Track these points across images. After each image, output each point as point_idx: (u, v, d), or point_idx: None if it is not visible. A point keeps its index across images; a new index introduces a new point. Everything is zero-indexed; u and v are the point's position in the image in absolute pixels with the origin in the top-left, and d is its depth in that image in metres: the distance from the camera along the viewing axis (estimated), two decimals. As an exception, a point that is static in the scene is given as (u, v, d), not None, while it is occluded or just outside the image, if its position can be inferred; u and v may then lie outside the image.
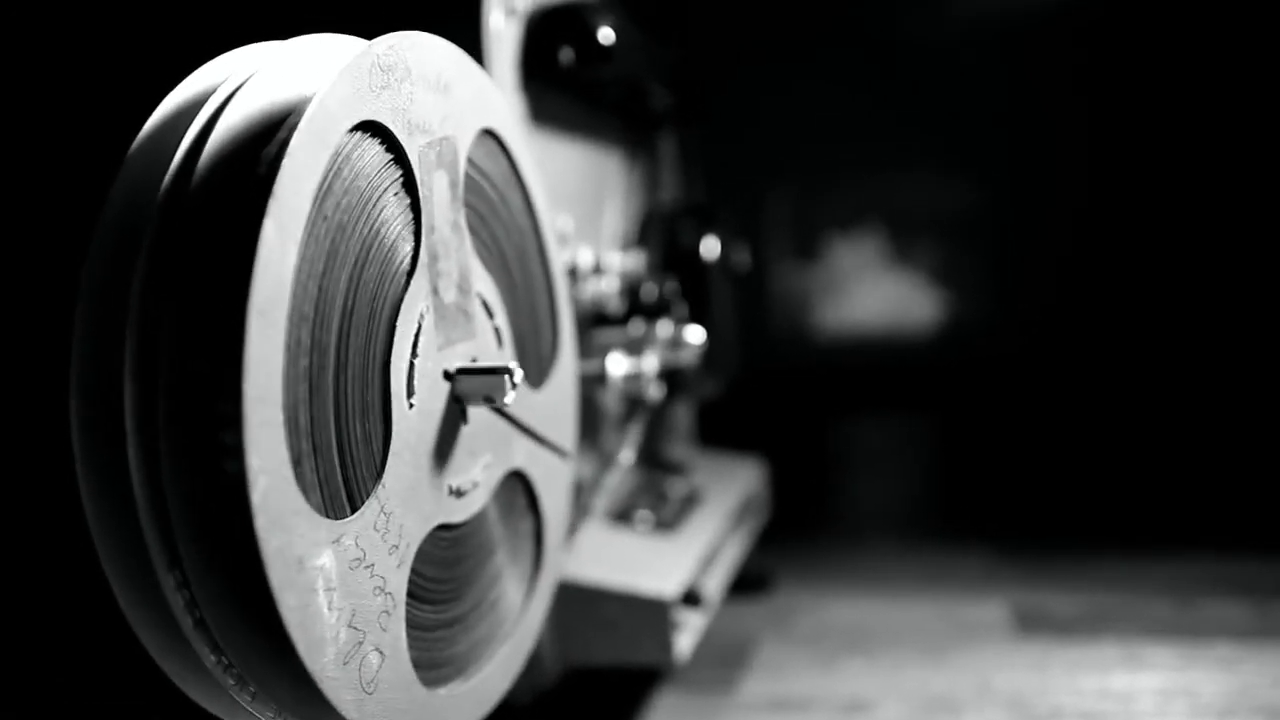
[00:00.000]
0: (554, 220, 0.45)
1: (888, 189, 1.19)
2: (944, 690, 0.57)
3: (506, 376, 0.37)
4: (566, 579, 0.53)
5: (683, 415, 0.75)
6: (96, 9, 0.61)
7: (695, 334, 0.57)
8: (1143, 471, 0.96)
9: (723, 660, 0.63)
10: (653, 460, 0.71)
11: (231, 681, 0.31)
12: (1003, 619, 0.66)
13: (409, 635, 0.34)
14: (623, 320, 0.58)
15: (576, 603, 0.54)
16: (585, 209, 0.60)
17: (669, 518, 0.62)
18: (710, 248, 0.66)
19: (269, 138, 0.31)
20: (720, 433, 0.82)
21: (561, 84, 0.56)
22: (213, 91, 0.33)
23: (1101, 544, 0.78)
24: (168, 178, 0.30)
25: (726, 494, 0.70)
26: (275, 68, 0.33)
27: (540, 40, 0.54)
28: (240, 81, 0.33)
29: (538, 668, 0.55)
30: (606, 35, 0.55)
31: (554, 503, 0.44)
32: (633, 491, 0.66)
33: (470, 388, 0.37)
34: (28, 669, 0.70)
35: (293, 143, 0.29)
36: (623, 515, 0.61)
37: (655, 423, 0.71)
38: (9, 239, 0.66)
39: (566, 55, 0.54)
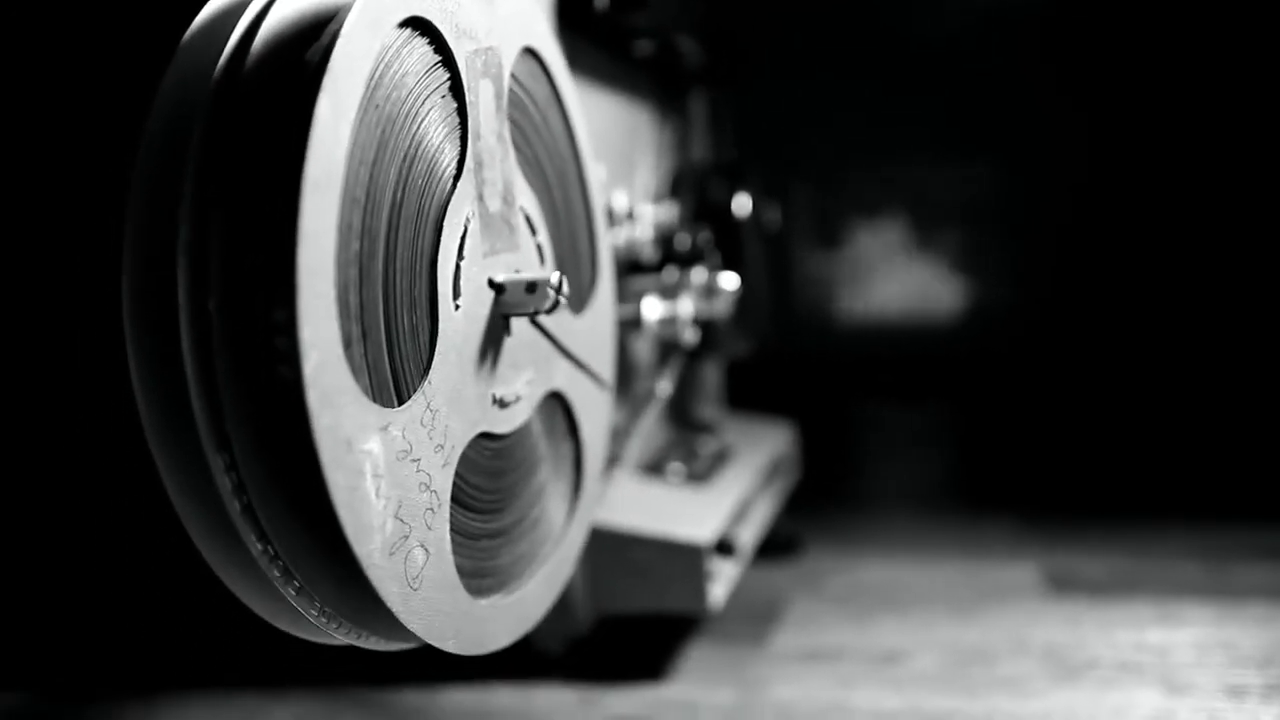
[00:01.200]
0: (592, 159, 0.45)
1: (910, 176, 1.19)
2: (977, 642, 0.57)
3: (552, 288, 0.37)
4: (599, 525, 0.53)
5: (712, 375, 0.75)
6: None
7: (729, 280, 0.57)
8: (1168, 448, 0.96)
9: (753, 616, 0.62)
10: (683, 419, 0.71)
11: (276, 573, 0.31)
12: (1033, 580, 0.66)
13: (453, 540, 0.34)
14: (656, 268, 0.58)
15: (610, 549, 0.54)
16: (618, 163, 0.60)
17: (701, 471, 0.62)
18: (742, 204, 0.66)
19: (319, 31, 0.31)
20: (748, 401, 0.82)
21: (595, 33, 0.56)
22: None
23: (1130, 513, 0.77)
24: (219, 66, 0.30)
25: (756, 453, 0.70)
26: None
27: (576, -13, 0.54)
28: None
29: (570, 615, 0.54)
30: (642, -19, 0.55)
31: (593, 429, 0.44)
32: (663, 447, 0.66)
33: (516, 297, 0.37)
34: (78, 568, 0.71)
35: (347, 25, 0.29)
36: (654, 468, 0.61)
37: (686, 382, 0.71)
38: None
39: (602, 1, 0.54)
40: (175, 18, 0.33)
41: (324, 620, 0.32)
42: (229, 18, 0.32)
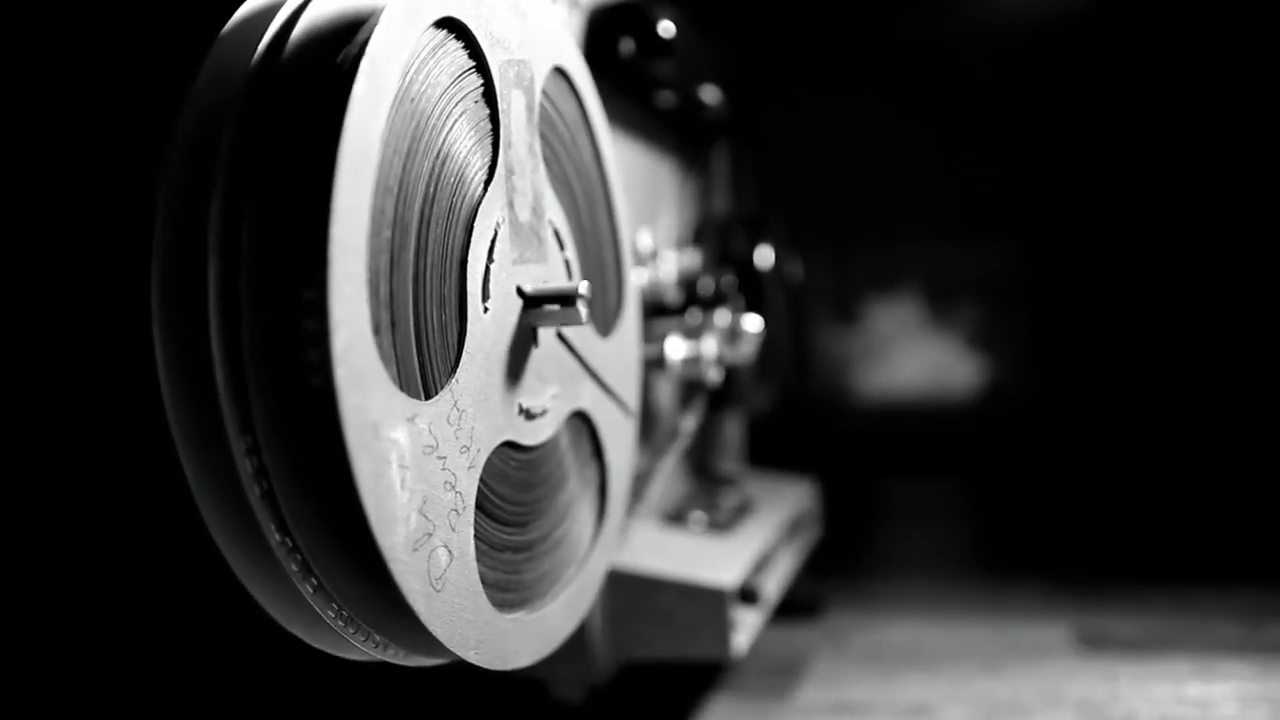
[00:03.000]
0: (620, 186, 0.45)
1: (925, 252, 1.19)
2: (1009, 696, 0.55)
3: (581, 299, 0.36)
4: (620, 568, 0.52)
5: (734, 430, 0.74)
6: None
7: (753, 322, 0.57)
8: (1195, 514, 0.94)
9: (776, 671, 0.61)
10: (704, 472, 0.70)
11: (295, 567, 0.30)
12: (1065, 639, 0.64)
13: (478, 547, 0.33)
14: (680, 310, 0.58)
15: (632, 593, 0.53)
16: (641, 209, 0.60)
17: (723, 521, 0.61)
18: (764, 255, 0.66)
19: (354, 30, 0.32)
20: (768, 460, 0.81)
21: (621, 79, 0.57)
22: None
23: (1162, 576, 0.75)
24: (255, 57, 0.31)
25: (778, 507, 0.69)
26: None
27: (602, 33, 0.55)
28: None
29: (590, 661, 0.53)
30: (667, 29, 0.56)
31: (618, 454, 0.43)
32: (685, 497, 0.65)
33: (545, 306, 0.36)
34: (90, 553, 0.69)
35: (384, 16, 0.30)
36: (676, 517, 0.60)
37: (707, 435, 0.70)
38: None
39: (627, 46, 0.55)
40: (206, 20, 0.33)
41: (341, 624, 0.31)
42: (265, 15, 0.32)
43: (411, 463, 0.30)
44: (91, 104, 0.71)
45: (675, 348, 0.55)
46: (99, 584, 0.71)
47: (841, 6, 1.13)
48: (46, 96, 0.72)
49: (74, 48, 0.72)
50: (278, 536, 0.29)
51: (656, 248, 0.59)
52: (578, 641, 0.50)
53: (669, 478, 0.62)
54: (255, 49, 0.31)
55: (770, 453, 0.82)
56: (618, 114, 0.57)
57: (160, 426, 0.30)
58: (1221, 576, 0.75)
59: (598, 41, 0.55)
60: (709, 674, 0.59)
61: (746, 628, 0.55)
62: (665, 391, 0.61)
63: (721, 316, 0.57)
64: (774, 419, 0.73)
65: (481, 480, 0.33)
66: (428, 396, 0.31)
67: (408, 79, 0.31)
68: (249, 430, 0.28)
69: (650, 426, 0.59)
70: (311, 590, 0.30)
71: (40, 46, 0.72)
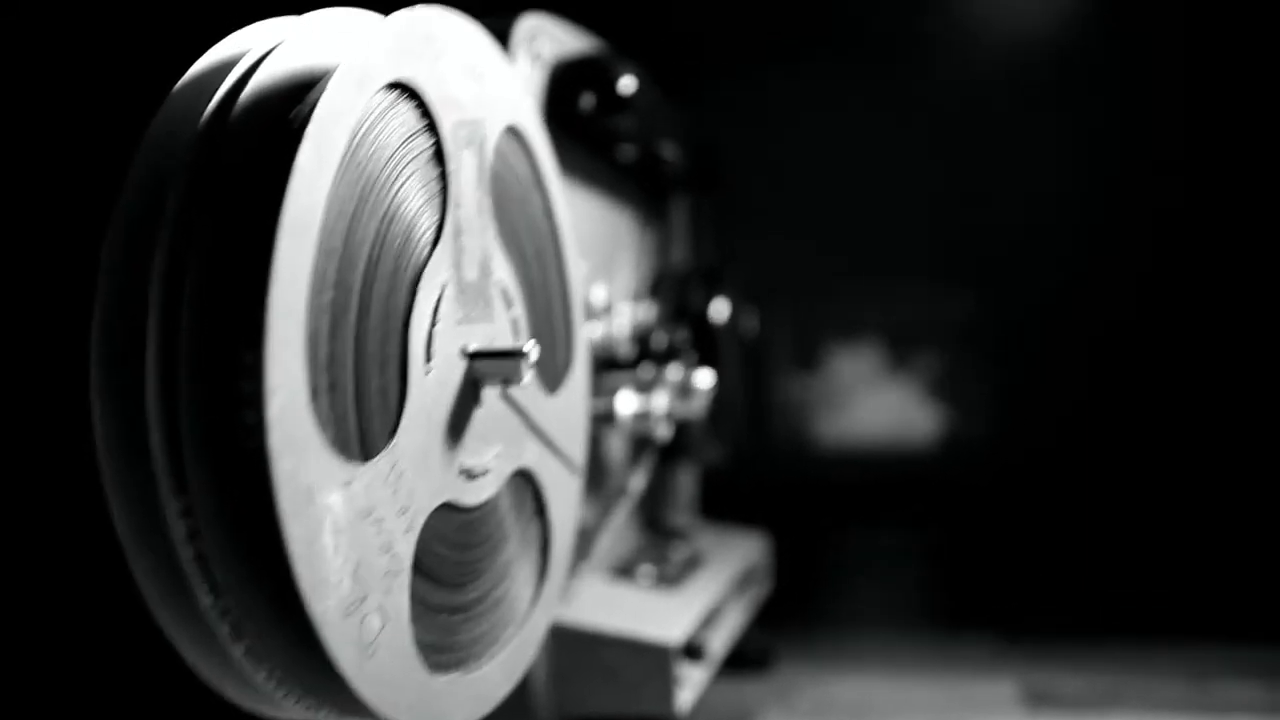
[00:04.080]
0: (573, 243, 0.45)
1: (887, 299, 1.20)
2: (953, 758, 0.55)
3: (523, 359, 0.36)
4: (565, 623, 0.52)
5: (686, 483, 0.74)
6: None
7: (705, 378, 0.57)
8: (1152, 570, 0.95)
9: (722, 727, 0.60)
10: (655, 525, 0.70)
11: (226, 630, 0.30)
12: (1012, 696, 0.64)
13: (413, 609, 0.33)
14: (632, 365, 0.58)
15: (575, 648, 0.53)
16: (598, 261, 0.60)
17: (671, 575, 0.61)
18: (719, 309, 0.66)
19: (305, 91, 0.32)
20: (721, 512, 0.81)
21: (581, 133, 0.57)
22: (245, 53, 0.33)
23: (1112, 632, 0.76)
24: (206, 114, 0.31)
25: (728, 561, 0.69)
26: (307, 32, 0.33)
27: (563, 88, 0.55)
28: (272, 46, 0.33)
29: (532, 718, 0.53)
30: (627, 85, 0.56)
31: (561, 512, 0.43)
32: (635, 550, 0.64)
33: (488, 366, 0.36)
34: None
35: (334, 79, 0.30)
36: (625, 570, 0.60)
37: (659, 487, 0.70)
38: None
39: (587, 101, 0.56)
40: (168, 70, 0.33)
41: (272, 686, 0.31)
42: (219, 73, 0.32)
43: (346, 527, 0.29)
44: (47, 157, 0.71)
45: (626, 403, 0.55)
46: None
47: (804, 63, 1.14)
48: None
49: (30, 95, 0.71)
50: (209, 599, 0.29)
51: (611, 301, 0.59)
52: (519, 698, 0.49)
53: (618, 532, 0.62)
54: (206, 107, 0.31)
55: (725, 504, 0.82)
56: (578, 167, 0.58)
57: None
58: (1171, 633, 0.75)
59: (559, 96, 0.55)
60: (654, 725, 0.59)
61: (691, 684, 0.55)
62: (616, 445, 0.61)
63: (674, 371, 0.57)
64: (728, 471, 0.73)
65: (419, 542, 0.33)
66: (366, 459, 0.31)
67: (355, 141, 0.31)
68: (183, 491, 0.28)
69: (600, 480, 0.59)
70: (243, 653, 0.30)
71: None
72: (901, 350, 1.20)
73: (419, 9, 0.34)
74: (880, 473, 1.19)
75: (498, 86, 0.39)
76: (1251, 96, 1.06)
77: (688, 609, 0.58)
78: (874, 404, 1.22)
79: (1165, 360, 1.09)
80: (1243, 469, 1.06)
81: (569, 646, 0.52)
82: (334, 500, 0.29)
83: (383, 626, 0.31)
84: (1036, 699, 0.63)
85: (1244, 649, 0.71)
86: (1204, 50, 1.08)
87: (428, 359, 0.34)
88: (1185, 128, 1.09)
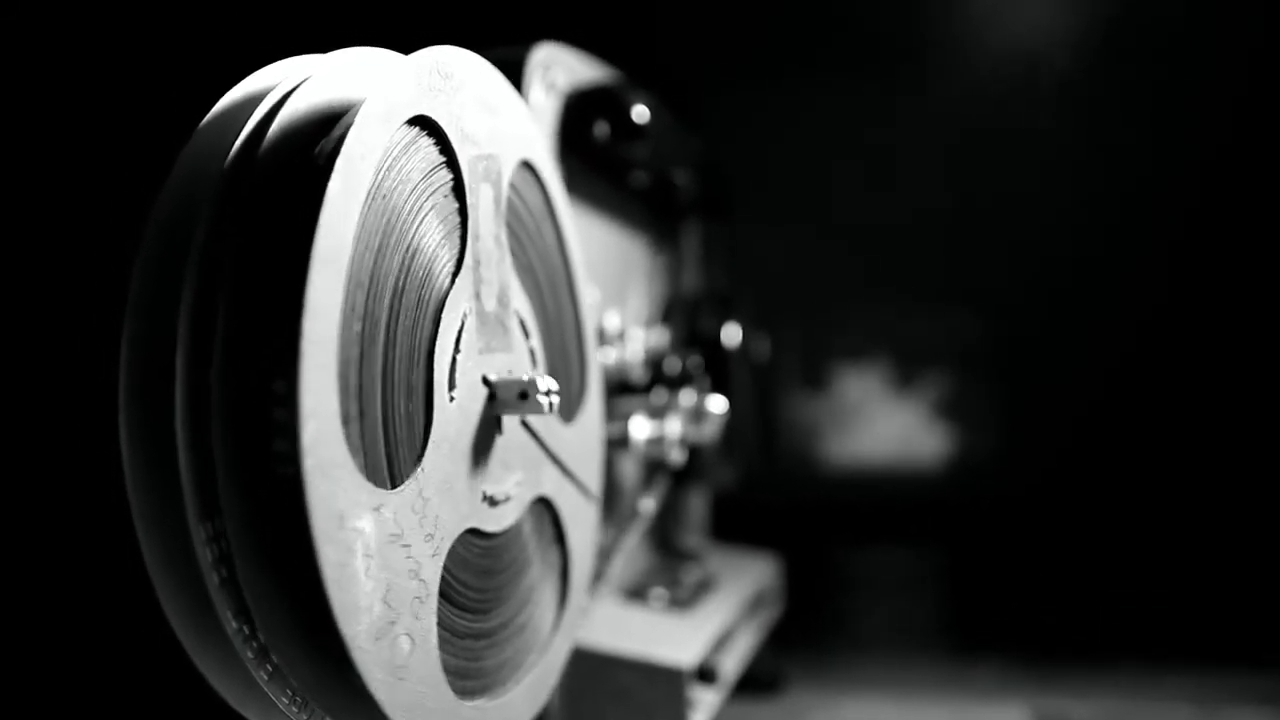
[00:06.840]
0: (583, 274, 0.46)
1: (895, 320, 1.21)
2: (967, 781, 0.55)
3: (544, 390, 0.37)
4: (579, 645, 0.52)
5: (698, 505, 0.75)
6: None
7: (718, 403, 0.58)
8: (1164, 594, 0.95)
9: (736, 751, 0.61)
10: (667, 547, 0.70)
11: (250, 654, 0.30)
12: (1022, 720, 0.64)
13: (440, 634, 0.33)
14: (645, 389, 0.59)
15: (589, 670, 0.53)
16: (611, 287, 0.61)
17: (684, 597, 0.61)
18: (731, 334, 0.67)
19: (331, 125, 0.33)
20: (732, 534, 0.81)
21: (594, 161, 0.58)
22: (271, 88, 0.34)
23: (1123, 656, 0.76)
24: (234, 148, 0.31)
25: (740, 583, 0.69)
26: (331, 70, 0.34)
27: (577, 116, 0.56)
28: (297, 82, 0.34)
29: (548, 740, 0.53)
30: (641, 113, 0.57)
31: (580, 539, 0.43)
32: (647, 572, 0.65)
33: (509, 395, 0.37)
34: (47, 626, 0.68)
35: (360, 115, 0.31)
36: (637, 593, 0.60)
37: (671, 510, 0.70)
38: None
39: (601, 129, 0.56)
40: (194, 104, 0.34)
41: (296, 709, 0.31)
42: (246, 107, 0.33)
43: (376, 551, 0.30)
44: (79, 183, 0.72)
45: (640, 427, 0.55)
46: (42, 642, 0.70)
47: (814, 88, 1.15)
48: (32, 174, 0.72)
49: (57, 124, 0.72)
50: (235, 624, 0.30)
51: (624, 327, 0.60)
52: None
53: (631, 554, 0.62)
54: (234, 140, 0.32)
55: (736, 526, 0.82)
56: (591, 194, 0.58)
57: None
58: (1180, 656, 0.75)
59: (573, 124, 0.56)
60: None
61: (704, 707, 0.55)
62: (629, 469, 0.61)
63: (687, 396, 0.58)
64: (739, 494, 0.73)
65: (445, 568, 0.34)
66: (394, 485, 0.31)
67: (380, 175, 0.32)
68: (211, 517, 0.29)
69: (614, 503, 0.59)
70: (267, 676, 0.31)
71: (28, 121, 0.73)
72: (909, 371, 1.21)
73: (440, 48, 0.35)
74: (888, 493, 1.20)
75: (511, 121, 0.40)
76: (1264, 111, 1.07)
77: (700, 631, 0.58)
78: (882, 425, 1.23)
79: (1173, 382, 1.10)
80: (1252, 489, 1.06)
81: (582, 668, 0.53)
82: (365, 524, 0.30)
83: (412, 650, 0.32)
84: (1049, 721, 0.64)
85: (1253, 674, 0.72)
86: (1215, 64, 1.08)
87: (451, 387, 0.35)
88: (1197, 148, 1.09)
